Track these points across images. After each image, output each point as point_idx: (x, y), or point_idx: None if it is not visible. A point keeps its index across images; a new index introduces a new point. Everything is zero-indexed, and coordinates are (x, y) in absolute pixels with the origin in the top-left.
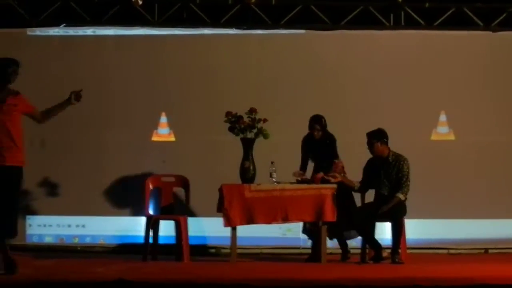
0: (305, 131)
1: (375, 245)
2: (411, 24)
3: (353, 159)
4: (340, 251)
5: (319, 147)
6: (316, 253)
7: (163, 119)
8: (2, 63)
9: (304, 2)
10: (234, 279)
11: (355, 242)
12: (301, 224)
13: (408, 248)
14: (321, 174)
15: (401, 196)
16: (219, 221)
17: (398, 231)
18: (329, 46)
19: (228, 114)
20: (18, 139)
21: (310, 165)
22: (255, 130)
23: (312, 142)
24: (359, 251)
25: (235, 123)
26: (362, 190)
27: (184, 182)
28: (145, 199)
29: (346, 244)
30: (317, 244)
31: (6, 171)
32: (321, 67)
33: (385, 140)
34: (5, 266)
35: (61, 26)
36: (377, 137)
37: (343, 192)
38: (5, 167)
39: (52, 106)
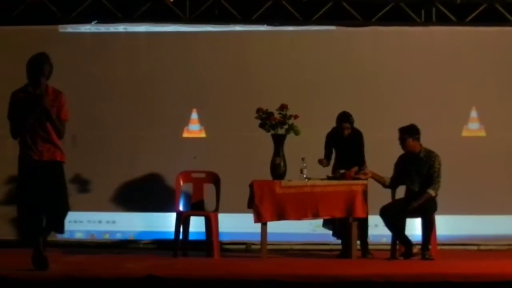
0: None
1: (406, 241)
2: (443, 20)
3: (385, 155)
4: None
5: (346, 144)
6: (346, 250)
7: (194, 115)
8: (36, 61)
9: None
10: (264, 275)
11: (385, 238)
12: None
13: (438, 244)
14: (355, 168)
15: (431, 192)
16: (249, 217)
17: (428, 227)
18: (360, 43)
19: (259, 110)
20: (54, 136)
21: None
22: (286, 126)
23: (338, 138)
24: (387, 247)
25: (266, 119)
26: (393, 186)
27: (214, 178)
28: (176, 195)
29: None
30: (347, 240)
31: (49, 166)
32: (352, 64)
33: (417, 136)
34: (37, 262)
35: (92, 23)
36: (409, 132)
37: None
38: (45, 162)
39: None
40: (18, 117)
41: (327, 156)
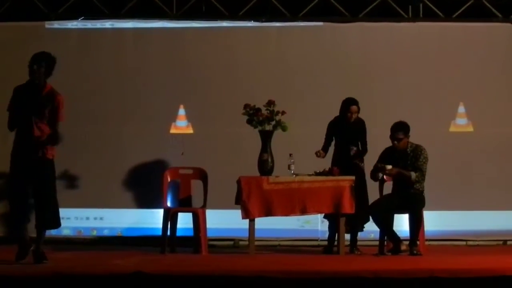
0: (323, 122)
1: (394, 238)
2: (430, 16)
3: (373, 150)
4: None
5: (350, 132)
6: (331, 245)
7: (181, 111)
8: (31, 60)
9: None
10: (252, 271)
11: (373, 234)
12: (319, 216)
13: (427, 240)
14: (354, 150)
15: (413, 175)
16: (237, 213)
17: (416, 223)
18: (347, 38)
19: (246, 106)
20: (45, 136)
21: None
22: (273, 122)
23: (341, 126)
24: (375, 243)
25: (253, 115)
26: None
27: (202, 174)
28: (163, 191)
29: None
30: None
31: (40, 163)
32: (339, 60)
33: (409, 134)
34: (35, 257)
35: (79, 19)
36: (407, 131)
37: (357, 185)
38: (34, 159)
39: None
40: (15, 109)
41: (325, 147)
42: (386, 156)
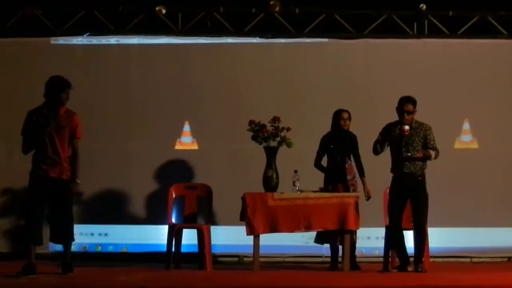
0: None
1: (404, 256)
2: (435, 33)
3: (379, 166)
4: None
5: (344, 139)
6: (335, 261)
7: (187, 127)
8: (57, 86)
9: (327, 11)
10: (257, 287)
11: (377, 251)
12: None
13: (431, 257)
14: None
15: (433, 154)
16: (242, 229)
17: (421, 239)
18: (352, 55)
19: (251, 122)
20: (65, 156)
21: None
22: (278, 139)
23: (335, 137)
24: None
25: (258, 131)
26: (380, 150)
27: (207, 191)
28: (168, 207)
29: (337, 252)
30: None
31: (60, 183)
32: (344, 76)
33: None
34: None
35: (84, 35)
36: (415, 106)
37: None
38: (57, 180)
39: (74, 166)
40: (30, 135)
41: (320, 158)
42: (389, 131)
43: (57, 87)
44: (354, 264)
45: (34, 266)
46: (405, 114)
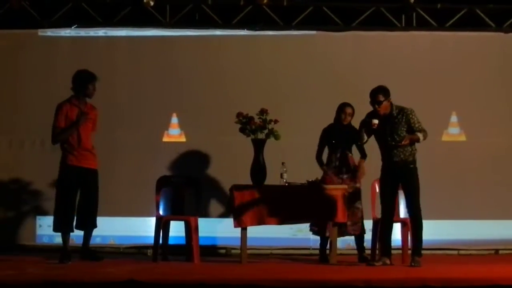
0: (315, 131)
1: (387, 248)
2: (423, 25)
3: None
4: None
5: (346, 135)
6: (324, 253)
7: (174, 119)
8: (84, 78)
9: (315, 3)
10: (244, 279)
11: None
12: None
13: None
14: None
15: (420, 136)
16: (229, 221)
17: (418, 229)
18: (340, 47)
19: (239, 115)
20: (91, 146)
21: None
22: (266, 131)
23: (337, 130)
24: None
25: (246, 124)
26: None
27: (194, 183)
28: (156, 199)
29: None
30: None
31: (89, 172)
32: (332, 68)
33: (390, 97)
34: (88, 255)
35: (72, 27)
36: (386, 94)
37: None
38: (86, 169)
39: (65, 128)
40: (61, 127)
41: (321, 151)
42: (366, 123)
43: (85, 79)
44: (362, 257)
45: (70, 253)
46: (377, 106)
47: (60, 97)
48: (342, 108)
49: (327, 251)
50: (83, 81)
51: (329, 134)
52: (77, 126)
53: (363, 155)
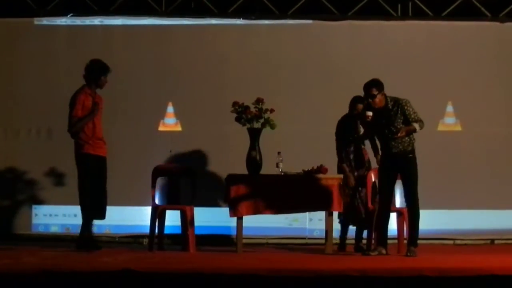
0: (311, 120)
1: (384, 238)
2: (419, 15)
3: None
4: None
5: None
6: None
7: (170, 109)
8: (98, 69)
9: None
10: (240, 269)
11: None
12: (305, 214)
13: None
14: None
15: (416, 126)
16: (225, 211)
17: (416, 219)
18: (336, 37)
19: (235, 104)
20: (102, 135)
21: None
22: (262, 120)
23: (350, 123)
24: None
25: (242, 113)
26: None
27: (190, 172)
28: (152, 189)
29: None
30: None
31: (104, 161)
32: (328, 58)
33: (383, 90)
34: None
35: (68, 16)
36: (380, 87)
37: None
38: (102, 158)
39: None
40: (78, 116)
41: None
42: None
43: (100, 70)
44: (358, 247)
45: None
46: (370, 99)
47: (55, 86)
48: (354, 104)
49: (360, 242)
50: (97, 72)
51: (344, 125)
52: (93, 116)
53: (376, 150)
